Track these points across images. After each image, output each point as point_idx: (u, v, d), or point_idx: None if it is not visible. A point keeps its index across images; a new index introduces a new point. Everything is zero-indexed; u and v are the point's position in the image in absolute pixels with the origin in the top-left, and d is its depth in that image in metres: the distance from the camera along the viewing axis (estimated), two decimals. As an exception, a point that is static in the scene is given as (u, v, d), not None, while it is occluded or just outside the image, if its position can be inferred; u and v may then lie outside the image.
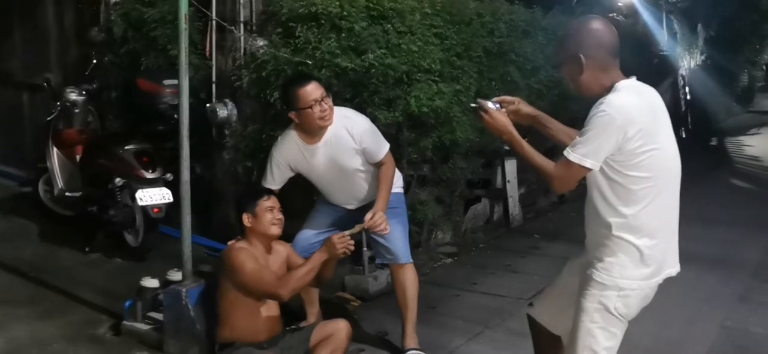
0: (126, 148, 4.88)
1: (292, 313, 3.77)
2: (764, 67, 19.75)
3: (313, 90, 3.47)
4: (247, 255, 3.14)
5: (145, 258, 4.90)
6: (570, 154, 2.31)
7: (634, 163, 2.31)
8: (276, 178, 3.66)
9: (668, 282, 2.52)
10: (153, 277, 3.92)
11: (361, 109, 4.12)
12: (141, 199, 4.68)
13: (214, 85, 5.10)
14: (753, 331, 4.24)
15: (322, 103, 3.47)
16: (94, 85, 5.59)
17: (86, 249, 5.11)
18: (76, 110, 5.43)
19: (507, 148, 5.87)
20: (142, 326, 3.82)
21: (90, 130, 5.55)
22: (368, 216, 3.42)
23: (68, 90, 5.44)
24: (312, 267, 3.16)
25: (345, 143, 3.54)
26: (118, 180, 4.83)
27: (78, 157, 5.35)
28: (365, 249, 4.54)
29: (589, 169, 2.31)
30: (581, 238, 2.57)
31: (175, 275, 3.78)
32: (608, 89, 2.37)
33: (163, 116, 4.91)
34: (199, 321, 3.52)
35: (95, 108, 5.63)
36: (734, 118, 16.47)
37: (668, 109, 2.49)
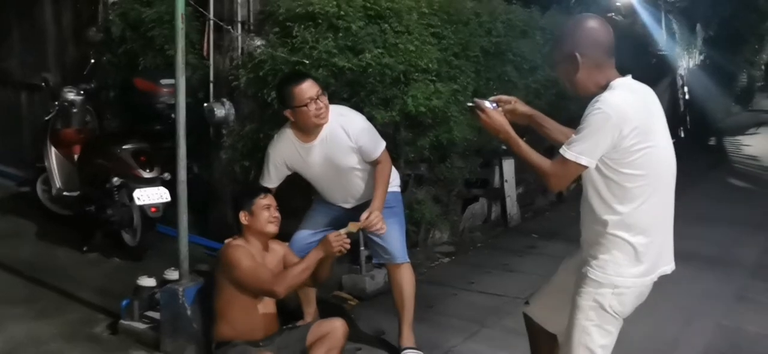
0: (124, 147, 4.89)
1: (289, 312, 3.77)
2: (763, 67, 19.78)
3: (308, 88, 3.46)
4: (243, 252, 3.16)
5: (142, 257, 4.91)
6: (566, 151, 2.32)
7: (629, 160, 2.32)
8: (273, 176, 3.65)
9: (666, 280, 2.53)
10: (150, 276, 3.93)
11: (358, 108, 4.11)
12: (138, 198, 4.69)
13: (211, 85, 5.10)
14: (750, 330, 4.25)
15: (318, 101, 3.46)
16: (92, 85, 5.60)
17: (84, 248, 5.12)
18: (74, 110, 5.44)
19: (505, 147, 5.86)
20: (139, 325, 3.82)
21: (88, 130, 5.57)
22: (364, 215, 3.40)
23: (66, 90, 5.45)
24: (308, 265, 3.16)
25: (341, 141, 3.54)
26: (115, 179, 4.84)
27: (76, 157, 5.36)
28: (362, 248, 4.54)
29: (585, 167, 2.32)
30: (579, 238, 2.57)
31: (172, 274, 3.79)
32: (604, 88, 2.38)
33: (161, 116, 4.92)
34: (196, 320, 3.53)
35: (93, 108, 5.64)
36: (733, 118, 16.49)
37: (667, 109, 2.52)
